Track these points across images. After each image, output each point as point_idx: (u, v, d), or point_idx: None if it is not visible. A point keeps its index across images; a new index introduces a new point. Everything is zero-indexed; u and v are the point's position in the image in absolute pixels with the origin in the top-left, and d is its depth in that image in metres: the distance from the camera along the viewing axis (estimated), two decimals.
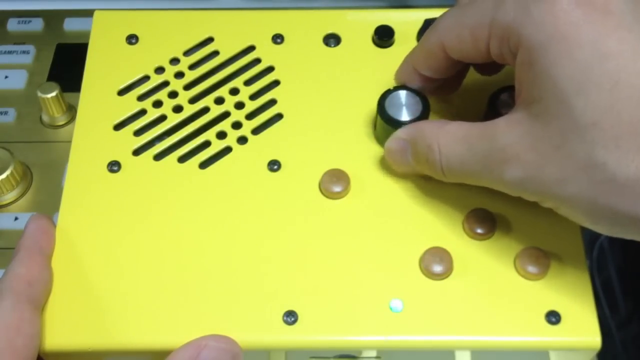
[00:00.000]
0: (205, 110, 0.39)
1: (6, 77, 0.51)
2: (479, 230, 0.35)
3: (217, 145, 0.38)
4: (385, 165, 0.37)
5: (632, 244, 0.47)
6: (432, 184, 0.36)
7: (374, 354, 0.34)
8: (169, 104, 0.39)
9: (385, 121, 0.36)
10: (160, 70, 0.40)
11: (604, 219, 0.29)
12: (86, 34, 0.41)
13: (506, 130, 0.30)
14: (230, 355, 0.32)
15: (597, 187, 0.28)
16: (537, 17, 0.29)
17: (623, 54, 0.28)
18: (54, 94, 0.47)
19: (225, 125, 0.38)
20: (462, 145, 0.32)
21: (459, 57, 0.33)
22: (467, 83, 0.39)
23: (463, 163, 0.32)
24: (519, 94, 0.31)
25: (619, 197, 0.28)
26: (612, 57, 0.28)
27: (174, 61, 0.40)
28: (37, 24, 0.54)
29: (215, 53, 0.41)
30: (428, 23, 0.40)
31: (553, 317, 0.33)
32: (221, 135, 0.38)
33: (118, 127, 0.38)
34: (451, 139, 0.33)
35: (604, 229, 0.30)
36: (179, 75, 0.40)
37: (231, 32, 0.41)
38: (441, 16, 0.34)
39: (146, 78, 0.40)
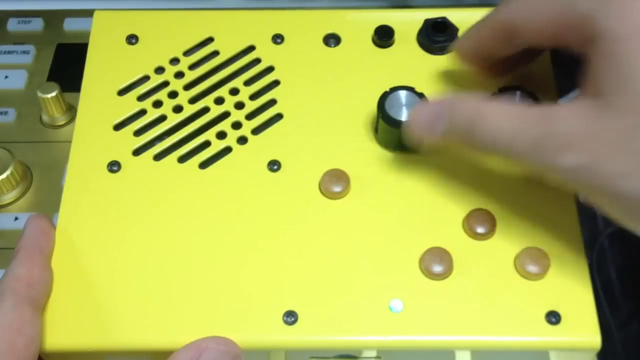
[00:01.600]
0: (205, 110, 0.39)
1: (6, 77, 0.51)
2: (479, 230, 0.35)
3: (217, 145, 0.38)
4: (386, 165, 0.37)
5: (632, 244, 0.47)
6: (432, 183, 0.36)
7: (374, 354, 0.34)
8: (169, 104, 0.39)
9: (385, 121, 0.36)
10: (160, 70, 0.40)
11: None
12: (86, 34, 0.41)
13: (569, 117, 0.30)
14: (230, 357, 0.32)
15: None
16: (619, 10, 0.28)
17: None
18: (54, 94, 0.47)
19: (225, 125, 0.38)
20: (515, 122, 0.31)
21: (528, 37, 0.33)
22: (467, 83, 0.39)
23: (513, 140, 0.31)
24: (587, 84, 0.30)
25: None
26: None
27: (174, 61, 0.40)
28: (37, 24, 0.54)
29: (215, 53, 0.41)
30: (428, 23, 0.40)
31: (553, 317, 0.33)
32: (221, 135, 0.38)
33: (118, 127, 0.38)
34: (501, 113, 0.32)
35: None
36: (179, 75, 0.40)
37: (231, 32, 0.41)
38: None
39: (146, 78, 0.40)
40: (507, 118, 0.32)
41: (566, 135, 0.30)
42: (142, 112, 0.39)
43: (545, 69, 0.39)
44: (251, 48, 0.41)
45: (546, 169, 0.31)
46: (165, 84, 0.40)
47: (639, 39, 0.28)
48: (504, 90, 0.36)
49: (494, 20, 0.35)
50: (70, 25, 0.54)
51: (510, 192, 0.36)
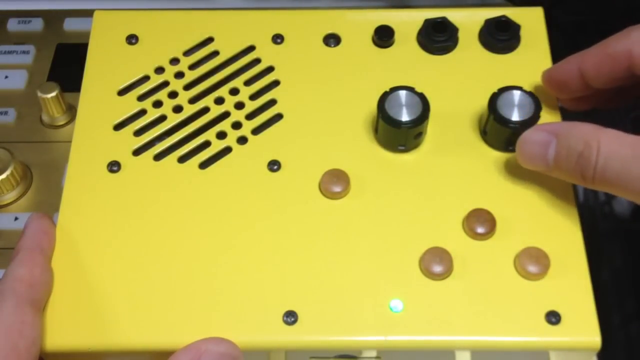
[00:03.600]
0: (205, 110, 0.39)
1: (6, 77, 0.51)
2: (479, 230, 0.35)
3: (217, 146, 0.38)
4: (386, 165, 0.37)
5: (632, 244, 0.47)
6: (432, 183, 0.36)
7: (374, 354, 0.34)
8: (169, 104, 0.39)
9: (385, 121, 0.36)
10: (160, 70, 0.40)
11: None
12: (86, 34, 0.41)
13: None
14: (230, 358, 0.32)
15: None
16: None
17: None
18: (54, 94, 0.47)
19: (225, 125, 0.38)
20: (628, 150, 0.31)
21: None
22: (466, 83, 0.39)
23: (624, 168, 0.31)
24: None
25: None
26: None
27: (174, 61, 0.40)
28: (37, 24, 0.54)
29: (215, 53, 0.41)
30: (428, 23, 0.40)
31: (553, 317, 0.33)
32: (221, 135, 0.38)
33: (118, 127, 0.38)
34: (616, 140, 0.32)
35: None
36: (179, 75, 0.40)
37: (231, 32, 0.41)
38: (634, 26, 0.34)
39: (146, 78, 0.40)
40: (621, 145, 0.32)
41: None
42: (142, 112, 0.39)
43: (545, 67, 0.39)
44: (251, 48, 0.41)
45: None
46: (165, 84, 0.40)
47: None
48: (504, 90, 0.36)
49: (608, 47, 0.34)
50: (70, 25, 0.54)
51: (510, 192, 0.36)
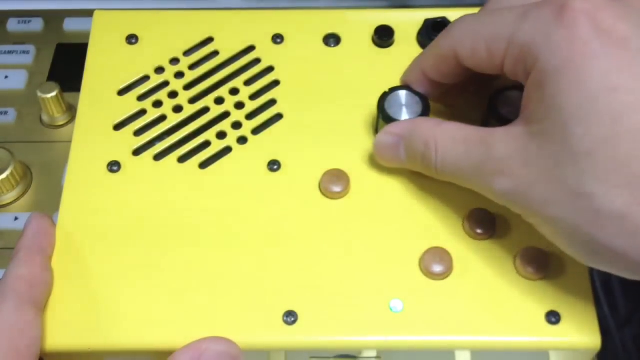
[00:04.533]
0: (205, 110, 0.39)
1: (6, 77, 0.51)
2: (479, 230, 0.35)
3: (217, 145, 0.38)
4: (386, 165, 0.37)
5: None
6: (432, 183, 0.36)
7: (374, 354, 0.34)
8: (169, 104, 0.39)
9: (385, 121, 0.36)
10: (160, 70, 0.40)
11: (583, 246, 0.29)
12: (86, 34, 0.41)
13: (503, 143, 0.31)
14: (229, 358, 0.32)
15: (580, 215, 0.29)
16: (555, 42, 0.29)
17: (631, 90, 0.28)
18: (54, 94, 0.47)
19: (225, 125, 0.38)
20: (460, 147, 0.33)
21: (471, 66, 0.33)
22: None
23: (457, 165, 0.33)
24: (523, 110, 0.31)
25: (601, 228, 0.28)
26: (619, 92, 0.28)
27: (174, 61, 0.40)
28: (37, 24, 0.54)
29: (215, 53, 0.41)
30: (428, 23, 0.40)
31: (553, 317, 0.33)
32: (221, 135, 0.38)
33: (118, 127, 0.38)
34: (450, 139, 0.33)
35: (581, 256, 0.30)
36: (179, 75, 0.40)
37: (231, 32, 0.41)
38: (456, 22, 0.34)
39: (146, 78, 0.40)
40: (454, 142, 0.33)
41: (500, 160, 0.31)
42: (142, 112, 0.39)
43: None
44: (251, 48, 0.41)
45: (486, 193, 0.32)
46: (165, 84, 0.40)
47: (570, 72, 0.28)
48: (501, 91, 0.36)
49: (437, 48, 0.35)
50: (70, 25, 0.54)
51: None
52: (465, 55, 0.33)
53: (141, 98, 0.39)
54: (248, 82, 0.40)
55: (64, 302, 0.33)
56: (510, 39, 0.31)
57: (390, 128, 0.35)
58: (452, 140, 0.33)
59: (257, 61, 0.40)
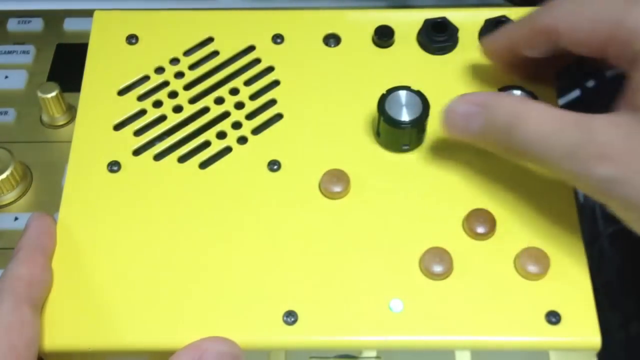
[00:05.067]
0: (205, 110, 0.39)
1: (6, 77, 0.51)
2: (479, 230, 0.35)
3: (217, 145, 0.38)
4: (385, 165, 0.37)
5: (632, 244, 0.47)
6: (432, 183, 0.36)
7: (374, 354, 0.34)
8: (169, 104, 0.39)
9: (386, 122, 0.36)
10: (160, 70, 0.40)
11: None
12: (86, 34, 0.41)
13: (606, 128, 0.30)
14: (230, 357, 0.32)
15: None
16: None
17: None
18: (54, 94, 0.47)
19: (225, 125, 0.38)
20: (555, 124, 0.31)
21: (567, 43, 0.33)
22: (467, 83, 0.39)
23: (548, 142, 0.31)
24: (627, 99, 0.30)
25: None
26: None
27: (174, 61, 0.40)
28: (37, 24, 0.54)
29: (215, 53, 0.41)
30: (428, 23, 0.40)
31: (553, 317, 0.33)
32: (221, 135, 0.38)
33: (118, 127, 0.38)
34: (543, 114, 0.32)
35: None
36: (179, 75, 0.40)
37: (231, 32, 0.41)
38: (556, 0, 0.34)
39: (146, 78, 0.40)
40: (547, 119, 0.31)
41: (603, 145, 0.30)
42: (142, 112, 0.39)
43: None
44: (251, 48, 0.41)
45: (579, 177, 0.31)
46: (165, 84, 0.40)
47: None
48: (504, 89, 0.36)
49: (535, 22, 0.35)
50: (70, 25, 0.54)
51: (510, 192, 0.36)
52: (565, 32, 0.33)
53: (141, 98, 0.39)
54: (248, 82, 0.40)
55: (64, 301, 0.33)
56: (618, 21, 0.30)
57: (469, 96, 0.34)
58: (545, 115, 0.32)
59: (257, 61, 0.40)
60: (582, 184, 0.31)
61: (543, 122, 0.31)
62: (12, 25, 0.54)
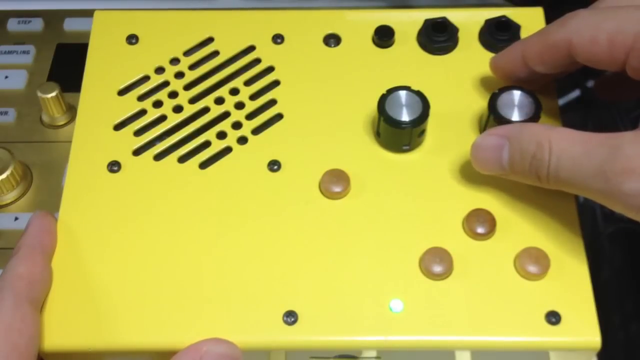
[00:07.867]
0: (205, 110, 0.39)
1: (6, 77, 0.51)
2: (479, 230, 0.35)
3: (217, 145, 0.38)
4: (385, 165, 0.37)
5: (632, 244, 0.47)
6: (431, 183, 0.36)
7: (374, 354, 0.34)
8: (169, 104, 0.39)
9: (386, 122, 0.36)
10: (160, 70, 0.40)
11: None
12: (86, 34, 0.41)
13: (633, 142, 0.30)
14: (230, 359, 0.32)
15: None
16: None
17: None
18: (54, 94, 0.47)
19: (225, 125, 0.38)
20: (579, 147, 0.31)
21: (584, 59, 0.33)
22: (466, 83, 0.39)
23: (575, 165, 0.31)
24: None
25: None
26: None
27: (174, 61, 0.40)
28: (37, 24, 0.54)
29: (215, 53, 0.41)
30: (428, 23, 0.40)
31: (553, 317, 0.33)
32: (221, 135, 0.38)
33: (118, 127, 0.38)
34: (567, 139, 0.32)
35: None
36: (179, 75, 0.40)
37: (231, 32, 0.41)
38: (570, 14, 0.34)
39: (146, 78, 0.40)
40: (574, 142, 0.32)
41: (631, 159, 0.29)
42: (142, 112, 0.39)
43: None
44: (251, 48, 0.41)
45: (610, 195, 0.31)
46: (166, 84, 0.40)
47: None
48: (504, 90, 0.36)
49: (549, 37, 0.34)
50: (70, 25, 0.54)
51: (510, 192, 0.36)
52: (581, 46, 0.32)
53: (141, 98, 0.39)
54: (248, 82, 0.40)
55: (64, 301, 0.33)
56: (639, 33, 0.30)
57: (494, 130, 0.34)
58: (569, 140, 0.32)
59: (257, 61, 0.40)
60: (613, 202, 0.31)
61: (570, 145, 0.32)
62: (12, 25, 0.54)
